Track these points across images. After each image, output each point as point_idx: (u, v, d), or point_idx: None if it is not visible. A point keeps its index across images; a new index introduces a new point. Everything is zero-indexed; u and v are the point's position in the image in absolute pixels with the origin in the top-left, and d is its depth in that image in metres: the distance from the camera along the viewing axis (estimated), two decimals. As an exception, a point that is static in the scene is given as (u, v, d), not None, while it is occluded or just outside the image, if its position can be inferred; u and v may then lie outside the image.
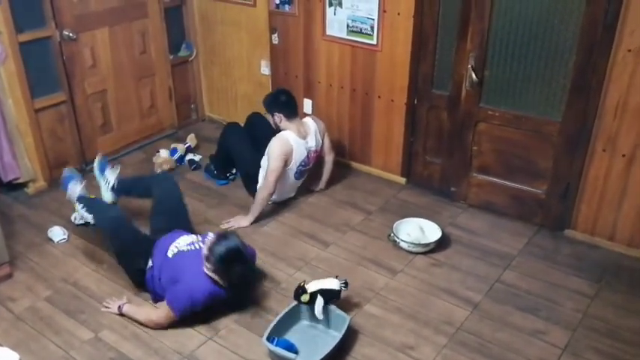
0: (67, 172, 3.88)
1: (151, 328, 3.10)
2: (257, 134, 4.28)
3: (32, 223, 3.99)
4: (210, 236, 3.18)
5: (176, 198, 3.65)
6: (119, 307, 3.19)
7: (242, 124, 4.49)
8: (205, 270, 3.06)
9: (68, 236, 3.82)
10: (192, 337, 3.07)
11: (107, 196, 3.80)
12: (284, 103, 4.05)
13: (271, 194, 3.96)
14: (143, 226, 3.58)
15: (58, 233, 3.81)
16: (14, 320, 3.18)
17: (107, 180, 3.82)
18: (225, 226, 3.94)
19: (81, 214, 3.58)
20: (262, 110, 4.30)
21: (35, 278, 3.49)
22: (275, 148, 3.90)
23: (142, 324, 3.13)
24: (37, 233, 3.85)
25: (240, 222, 3.98)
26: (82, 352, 2.98)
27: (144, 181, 3.89)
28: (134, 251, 3.31)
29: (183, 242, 3.25)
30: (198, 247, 3.20)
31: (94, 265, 3.60)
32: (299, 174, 4.09)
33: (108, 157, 4.12)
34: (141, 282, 3.33)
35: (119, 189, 3.81)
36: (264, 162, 4.05)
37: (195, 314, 3.09)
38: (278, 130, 4.06)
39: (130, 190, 3.85)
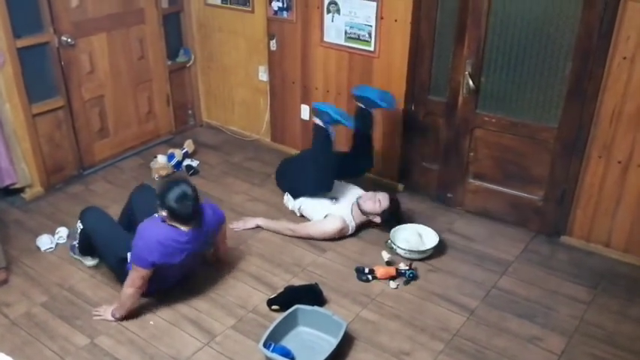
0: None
1: (132, 299, 3.11)
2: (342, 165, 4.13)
3: (28, 229, 3.98)
4: None
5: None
6: (112, 313, 3.19)
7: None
8: (159, 217, 3.08)
9: (56, 245, 3.81)
10: (189, 343, 3.07)
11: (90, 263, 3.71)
12: (388, 214, 3.87)
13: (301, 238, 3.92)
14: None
15: (45, 242, 3.79)
16: (9, 326, 3.17)
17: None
18: (232, 226, 3.96)
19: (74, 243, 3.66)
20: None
21: (31, 284, 3.48)
22: (333, 228, 3.86)
23: (130, 298, 3.12)
24: (32, 239, 3.84)
25: (247, 224, 4.02)
26: (78, 357, 2.97)
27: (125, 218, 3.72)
28: (115, 241, 3.31)
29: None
30: None
31: (89, 271, 3.59)
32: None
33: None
34: (123, 275, 3.29)
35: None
36: (328, 203, 3.99)
37: (167, 274, 3.11)
38: (363, 211, 3.90)
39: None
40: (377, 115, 4.31)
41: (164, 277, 3.22)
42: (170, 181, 3.17)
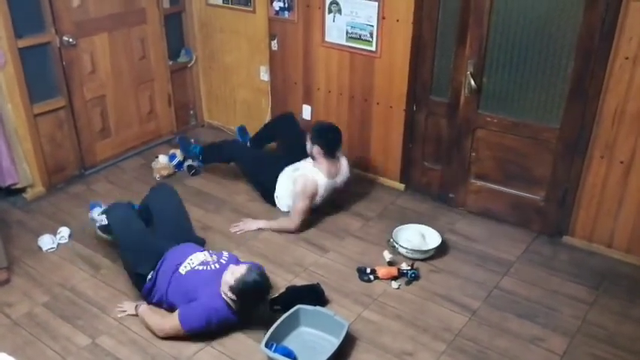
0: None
1: (156, 334, 3.08)
2: (285, 134, 4.40)
3: (30, 229, 3.98)
4: (225, 255, 3.28)
5: (174, 204, 3.66)
6: (136, 306, 3.20)
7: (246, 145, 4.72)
8: (222, 295, 3.03)
9: (58, 245, 3.81)
10: (190, 343, 3.06)
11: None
12: (329, 140, 3.98)
13: (294, 230, 3.95)
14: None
15: (47, 242, 3.79)
16: (11, 325, 3.17)
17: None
18: (234, 229, 3.96)
19: (97, 220, 3.67)
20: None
21: (32, 284, 3.48)
22: (303, 189, 3.89)
23: (148, 327, 3.11)
24: (34, 239, 3.84)
25: (250, 226, 4.01)
26: (80, 357, 2.97)
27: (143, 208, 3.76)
28: (140, 254, 3.30)
29: (196, 260, 3.22)
30: (214, 267, 3.18)
31: (91, 271, 3.59)
32: (319, 204, 4.05)
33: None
34: (137, 285, 3.33)
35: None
36: (287, 181, 4.06)
37: (201, 334, 3.07)
38: (312, 157, 4.03)
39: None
40: (378, 114, 4.32)
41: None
42: (257, 281, 3.03)
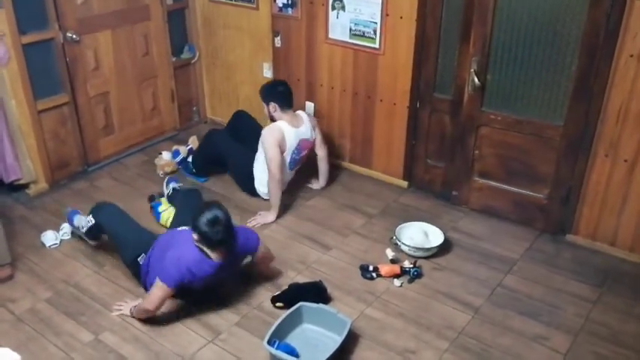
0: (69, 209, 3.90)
1: (153, 310, 3.09)
2: (243, 130, 4.45)
3: (33, 225, 3.98)
4: None
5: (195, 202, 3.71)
6: (130, 309, 3.20)
7: (223, 129, 4.71)
8: (194, 242, 3.06)
9: (60, 241, 3.81)
10: (193, 339, 3.07)
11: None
12: (280, 93, 4.14)
13: (279, 181, 4.00)
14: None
15: (50, 238, 3.80)
16: (15, 321, 3.18)
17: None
18: (252, 223, 3.98)
19: (82, 225, 3.64)
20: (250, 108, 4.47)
21: (36, 280, 3.49)
22: (268, 138, 4.00)
23: (146, 311, 3.11)
24: (37, 235, 3.85)
25: (267, 218, 4.05)
26: (83, 353, 2.98)
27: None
28: (133, 241, 3.34)
29: (180, 229, 3.30)
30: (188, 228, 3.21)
31: (94, 267, 3.60)
32: (293, 163, 4.16)
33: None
34: (135, 274, 3.36)
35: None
36: (259, 155, 4.15)
37: (190, 290, 3.10)
38: (272, 120, 4.15)
39: None
40: (381, 111, 4.31)
41: (185, 292, 3.20)
42: (204, 205, 3.16)
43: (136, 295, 3.36)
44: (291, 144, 4.06)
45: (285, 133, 4.02)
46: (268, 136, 4.00)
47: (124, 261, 3.44)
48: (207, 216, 2.96)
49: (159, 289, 3.04)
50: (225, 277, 3.28)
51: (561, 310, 3.27)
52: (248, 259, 3.40)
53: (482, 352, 3.00)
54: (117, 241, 3.44)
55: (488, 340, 3.07)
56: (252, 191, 4.32)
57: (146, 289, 3.25)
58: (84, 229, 3.62)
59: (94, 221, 3.49)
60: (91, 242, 3.70)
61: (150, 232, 3.50)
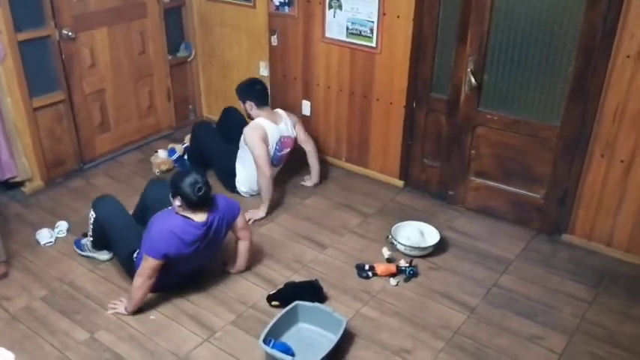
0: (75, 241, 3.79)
1: (142, 290, 3.09)
2: (231, 127, 4.44)
3: (28, 223, 3.97)
4: None
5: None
6: (125, 307, 3.19)
7: (208, 123, 4.77)
8: (176, 211, 3.10)
9: (56, 239, 3.80)
10: (188, 338, 3.06)
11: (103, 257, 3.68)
12: (257, 91, 4.18)
13: (270, 177, 4.01)
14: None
15: (45, 236, 3.78)
16: (9, 320, 3.16)
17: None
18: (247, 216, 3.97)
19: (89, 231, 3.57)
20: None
21: (31, 278, 3.48)
22: (251, 136, 4.02)
23: (138, 292, 3.11)
24: (32, 233, 3.84)
25: (257, 214, 4.05)
26: (78, 352, 2.97)
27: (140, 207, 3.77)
28: (128, 235, 3.33)
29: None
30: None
31: (90, 265, 3.59)
32: (277, 160, 4.18)
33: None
34: (130, 272, 3.32)
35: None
36: (241, 153, 4.18)
37: (178, 268, 3.12)
38: (250, 119, 4.19)
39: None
40: (378, 111, 4.31)
41: (172, 272, 3.19)
42: (182, 172, 3.26)
43: (129, 293, 3.34)
44: (273, 140, 4.08)
45: (266, 129, 4.04)
46: (250, 132, 4.02)
47: (119, 257, 3.43)
48: (188, 179, 3.04)
49: (147, 265, 3.05)
50: (211, 249, 3.28)
51: (557, 311, 3.27)
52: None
53: (478, 352, 3.00)
54: (113, 236, 3.39)
55: (484, 340, 3.07)
56: (232, 188, 4.34)
57: None
58: (90, 236, 3.56)
59: (94, 215, 3.44)
60: (101, 257, 3.62)
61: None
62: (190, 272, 3.36)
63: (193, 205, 3.07)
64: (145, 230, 3.17)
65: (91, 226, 3.49)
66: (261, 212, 4.06)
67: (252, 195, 4.30)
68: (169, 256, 3.05)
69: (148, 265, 3.05)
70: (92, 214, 3.46)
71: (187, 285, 3.39)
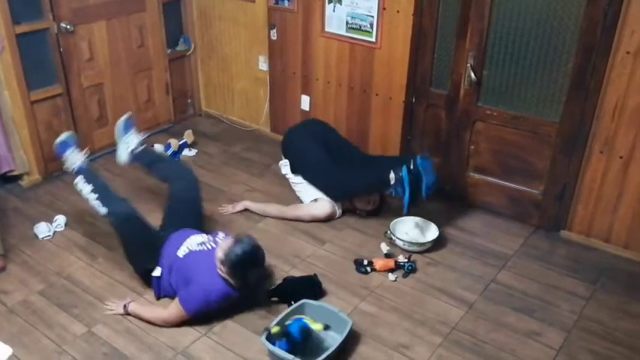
0: (63, 137, 3.65)
1: (159, 325, 3.07)
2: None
3: (26, 216, 3.96)
4: (221, 236, 3.26)
5: (194, 200, 3.60)
6: (124, 306, 3.16)
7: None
8: (219, 271, 3.03)
9: (54, 233, 3.79)
10: (187, 333, 3.06)
11: (123, 157, 3.64)
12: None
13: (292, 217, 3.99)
14: (152, 213, 3.50)
15: (43, 230, 3.78)
16: (7, 313, 3.16)
17: (128, 142, 3.70)
18: (222, 210, 3.98)
19: (91, 202, 3.41)
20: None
21: (28, 271, 3.47)
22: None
23: (148, 322, 3.09)
24: (30, 226, 3.83)
25: (239, 205, 4.05)
26: (75, 346, 2.96)
27: (165, 167, 3.77)
28: (143, 250, 3.28)
29: (194, 242, 3.22)
30: (210, 247, 3.18)
31: (87, 259, 3.58)
32: None
33: (135, 117, 3.92)
34: (146, 281, 3.31)
35: (138, 157, 3.73)
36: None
37: (206, 314, 3.08)
38: None
39: (149, 167, 3.76)
40: (377, 106, 4.30)
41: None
42: (248, 253, 3.01)
43: (129, 287, 3.35)
44: None
45: (336, 213, 4.00)
46: (324, 212, 3.95)
47: (137, 270, 3.36)
48: (254, 270, 3.02)
49: (178, 315, 3.04)
50: None
51: (555, 307, 3.28)
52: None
53: (476, 348, 3.00)
54: (131, 248, 3.33)
55: (482, 336, 3.07)
56: (296, 172, 4.12)
57: (158, 296, 3.25)
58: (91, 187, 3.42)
59: (105, 213, 3.32)
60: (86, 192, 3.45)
61: (155, 232, 3.37)
62: None
63: (240, 282, 3.04)
64: (184, 275, 3.09)
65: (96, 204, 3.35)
66: (239, 207, 4.04)
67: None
68: (202, 312, 3.05)
69: (177, 316, 3.03)
70: (103, 210, 3.32)
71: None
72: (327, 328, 2.86)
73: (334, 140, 4.13)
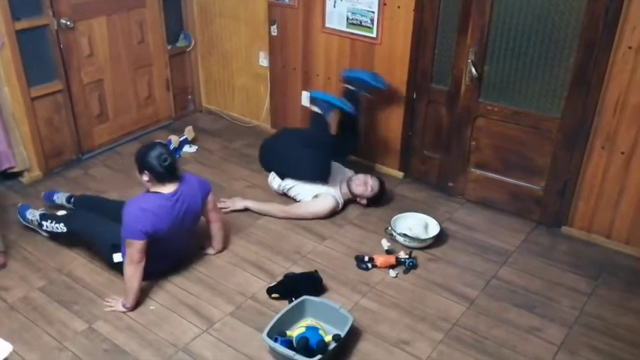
0: (20, 206, 3.84)
1: (135, 278, 3.08)
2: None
3: (27, 213, 3.96)
4: None
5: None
6: (122, 303, 3.16)
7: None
8: (144, 188, 3.16)
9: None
10: (187, 329, 3.06)
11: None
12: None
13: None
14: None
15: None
16: (8, 310, 3.16)
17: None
18: (220, 205, 3.95)
19: (50, 229, 3.60)
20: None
21: (29, 268, 3.47)
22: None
23: (135, 289, 3.11)
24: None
25: (237, 204, 4.04)
26: (76, 342, 2.96)
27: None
28: (104, 231, 3.33)
29: None
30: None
31: (88, 256, 3.57)
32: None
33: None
34: (114, 265, 3.32)
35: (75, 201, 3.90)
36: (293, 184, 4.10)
37: (160, 246, 3.12)
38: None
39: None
40: (379, 103, 4.29)
41: (158, 254, 3.17)
42: (145, 146, 3.23)
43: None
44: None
45: (339, 206, 4.03)
46: (327, 206, 3.95)
47: (105, 255, 3.38)
48: (152, 152, 3.11)
49: (129, 247, 3.06)
50: (189, 222, 3.30)
51: (556, 303, 3.27)
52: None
53: (477, 344, 3.00)
54: (92, 239, 3.44)
55: (483, 332, 3.07)
56: (284, 176, 4.13)
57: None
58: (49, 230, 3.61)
59: (65, 230, 3.50)
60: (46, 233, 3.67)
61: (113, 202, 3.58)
62: (175, 252, 3.38)
63: (161, 176, 3.13)
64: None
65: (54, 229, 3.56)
66: (239, 205, 4.02)
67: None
68: (149, 233, 3.04)
69: (133, 249, 3.05)
70: (62, 228, 3.51)
71: (182, 275, 3.39)
72: (337, 339, 2.84)
73: (299, 135, 4.18)
